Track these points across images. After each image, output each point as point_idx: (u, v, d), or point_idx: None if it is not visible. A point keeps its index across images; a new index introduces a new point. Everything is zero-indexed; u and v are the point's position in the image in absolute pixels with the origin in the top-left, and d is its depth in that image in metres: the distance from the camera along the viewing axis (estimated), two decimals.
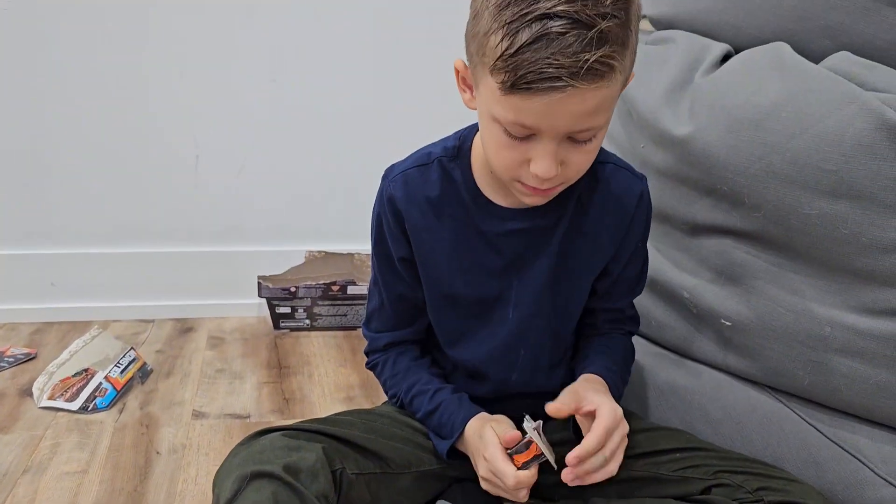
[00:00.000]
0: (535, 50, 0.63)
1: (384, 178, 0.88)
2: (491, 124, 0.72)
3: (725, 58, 1.03)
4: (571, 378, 0.89)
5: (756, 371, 0.94)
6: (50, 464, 1.05)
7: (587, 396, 0.80)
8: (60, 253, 1.52)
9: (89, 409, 1.20)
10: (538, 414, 0.81)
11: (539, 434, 0.78)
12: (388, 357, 0.95)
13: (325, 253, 1.58)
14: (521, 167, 0.73)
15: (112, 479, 1.03)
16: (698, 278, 0.99)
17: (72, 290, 1.54)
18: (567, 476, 0.77)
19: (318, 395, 1.29)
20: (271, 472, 0.73)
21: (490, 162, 0.78)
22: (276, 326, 1.56)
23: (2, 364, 1.34)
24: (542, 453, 0.77)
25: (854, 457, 0.86)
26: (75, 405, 1.20)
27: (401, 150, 0.91)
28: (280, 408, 1.24)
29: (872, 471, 0.85)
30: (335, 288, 1.54)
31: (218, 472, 0.78)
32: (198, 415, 1.20)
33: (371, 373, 1.00)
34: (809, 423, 0.90)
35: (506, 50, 0.64)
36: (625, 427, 0.79)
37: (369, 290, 0.96)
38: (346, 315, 1.57)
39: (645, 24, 1.24)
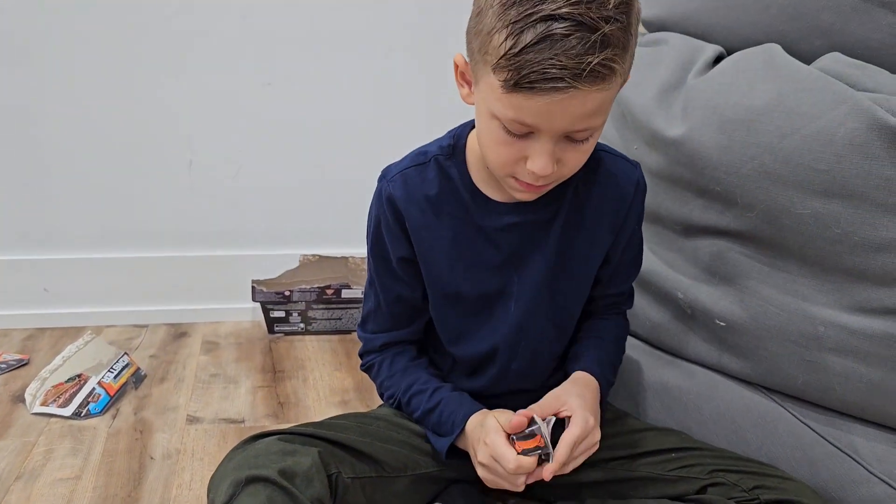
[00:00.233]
0: (538, 51, 0.64)
1: (381, 178, 0.88)
2: (490, 121, 0.73)
3: (717, 59, 1.04)
4: (562, 370, 0.90)
5: (750, 371, 0.94)
6: (43, 470, 1.05)
7: (568, 402, 0.82)
8: (53, 258, 1.51)
9: (82, 414, 1.19)
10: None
11: (547, 427, 0.79)
12: (384, 358, 0.95)
13: (320, 257, 1.58)
14: (517, 164, 0.74)
15: (106, 485, 1.02)
16: (692, 279, 1.00)
17: (65, 295, 1.54)
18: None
19: (312, 399, 1.29)
20: (266, 477, 0.73)
21: (486, 158, 0.79)
22: (271, 330, 1.55)
23: None
24: (546, 445, 0.78)
25: (848, 455, 0.86)
26: (68, 411, 1.19)
27: (395, 153, 0.91)
28: (275, 412, 1.23)
29: (867, 469, 0.85)
30: (329, 292, 1.54)
31: (213, 476, 0.77)
32: (192, 420, 1.20)
33: (366, 376, 1.00)
34: (804, 423, 0.90)
35: (509, 49, 0.65)
36: (595, 436, 0.81)
37: (365, 291, 0.96)
38: (340, 319, 1.56)
39: None
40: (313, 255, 1.57)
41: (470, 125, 0.87)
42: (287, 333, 1.56)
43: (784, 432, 0.91)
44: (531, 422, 0.79)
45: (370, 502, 0.85)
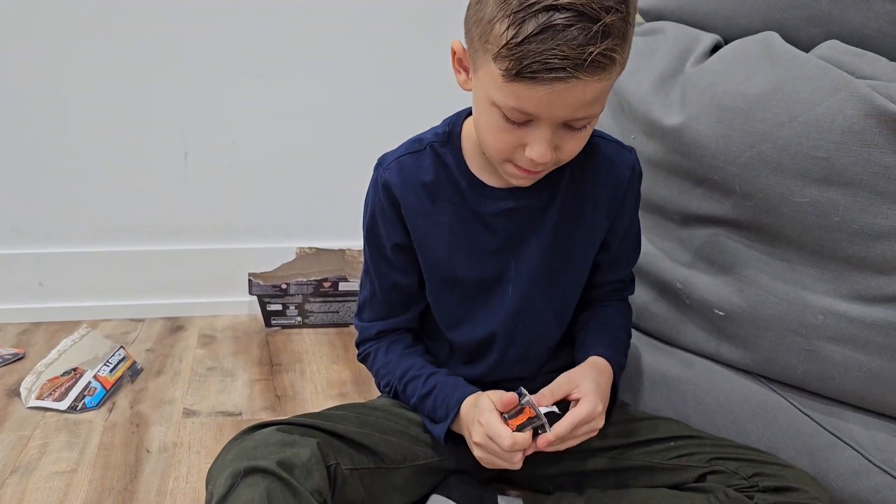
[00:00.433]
0: (540, 41, 0.64)
1: (378, 166, 0.89)
2: (489, 108, 0.73)
3: (715, 48, 1.03)
4: (569, 356, 0.90)
5: (749, 360, 0.94)
6: (38, 464, 1.04)
7: (581, 386, 0.82)
8: (48, 252, 1.51)
9: (78, 408, 1.18)
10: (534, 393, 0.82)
11: (534, 401, 0.79)
12: (380, 346, 0.95)
13: (317, 249, 1.57)
14: (515, 150, 0.75)
15: (102, 478, 1.01)
16: (691, 268, 0.99)
17: (60, 289, 1.53)
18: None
19: (310, 391, 1.28)
20: (265, 468, 0.72)
21: (483, 144, 0.79)
22: (268, 324, 1.55)
23: None
24: (537, 416, 0.78)
25: (848, 445, 0.86)
26: (64, 405, 1.18)
27: (391, 144, 0.91)
28: (272, 405, 1.23)
29: (866, 458, 0.85)
30: (326, 284, 1.53)
31: (211, 468, 0.77)
32: (189, 413, 1.19)
33: (364, 369, 0.99)
34: (803, 412, 0.90)
35: (511, 39, 0.65)
36: (598, 423, 0.82)
37: (361, 280, 0.96)
38: (337, 312, 1.56)
39: None
40: (310, 248, 1.57)
41: (465, 112, 0.88)
42: (284, 327, 1.55)
43: (783, 422, 0.91)
44: (520, 397, 0.79)
45: (369, 494, 0.85)
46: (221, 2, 1.44)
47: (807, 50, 0.91)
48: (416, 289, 0.92)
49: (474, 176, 0.86)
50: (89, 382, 1.23)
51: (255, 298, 1.54)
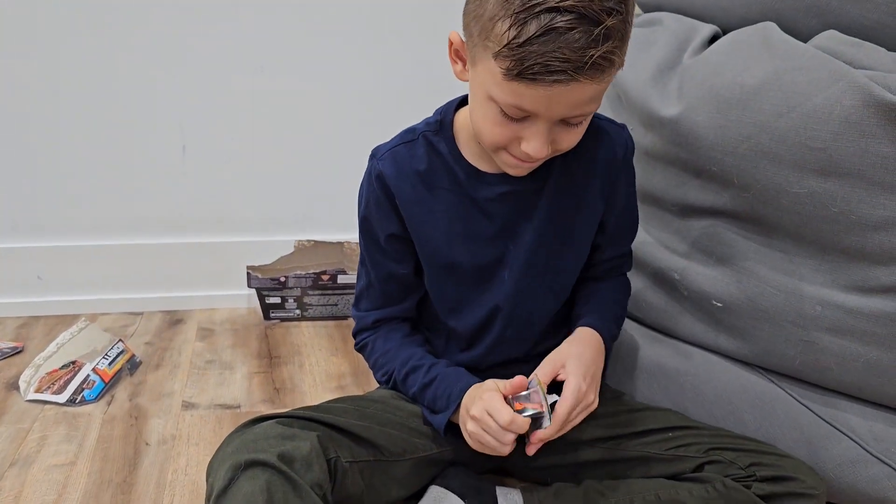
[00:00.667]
0: (542, 43, 0.65)
1: (371, 157, 0.89)
2: (487, 102, 0.73)
3: (713, 39, 1.03)
4: (556, 338, 0.91)
5: (747, 352, 0.94)
6: (37, 457, 1.04)
7: (566, 365, 0.82)
8: (47, 246, 1.50)
9: (77, 401, 1.18)
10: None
11: (544, 391, 0.79)
12: (377, 335, 0.95)
13: (315, 242, 1.57)
14: (511, 143, 0.76)
15: (101, 470, 1.02)
16: (689, 260, 0.99)
17: (59, 283, 1.53)
18: (529, 450, 0.81)
19: (309, 384, 1.28)
20: (265, 461, 0.73)
21: (479, 135, 0.79)
22: (266, 317, 1.55)
23: None
24: (542, 410, 0.78)
25: (846, 435, 0.87)
26: (62, 398, 1.19)
27: (389, 137, 0.91)
28: (271, 397, 1.23)
29: (864, 449, 0.85)
30: (325, 277, 1.53)
31: (212, 460, 0.77)
32: (187, 406, 1.19)
33: (363, 362, 0.99)
34: (801, 403, 0.90)
35: (513, 39, 0.66)
36: (588, 398, 0.81)
37: (357, 270, 0.96)
38: (336, 304, 1.56)
39: None
40: (308, 241, 1.57)
41: (456, 101, 0.88)
42: (283, 319, 1.55)
43: (781, 413, 0.91)
44: (530, 385, 0.79)
45: (369, 486, 0.85)
46: None
47: (805, 40, 0.91)
48: (413, 278, 0.93)
49: (468, 163, 0.86)
50: (88, 375, 1.23)
51: (253, 291, 1.53)
